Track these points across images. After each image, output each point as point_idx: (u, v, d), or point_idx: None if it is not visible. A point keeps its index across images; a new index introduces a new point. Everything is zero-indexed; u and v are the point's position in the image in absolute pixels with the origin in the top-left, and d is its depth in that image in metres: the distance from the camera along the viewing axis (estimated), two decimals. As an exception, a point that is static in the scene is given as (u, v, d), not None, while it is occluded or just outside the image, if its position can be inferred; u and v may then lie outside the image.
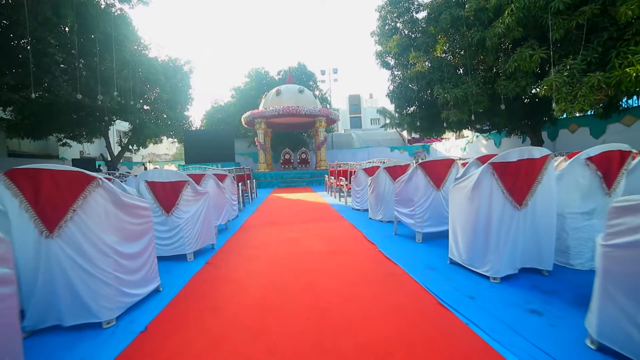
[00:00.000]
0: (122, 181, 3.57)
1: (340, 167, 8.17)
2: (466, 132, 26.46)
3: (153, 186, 2.87)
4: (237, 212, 5.59)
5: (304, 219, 5.25)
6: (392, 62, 13.68)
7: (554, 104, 7.24)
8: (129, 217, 1.98)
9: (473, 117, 10.59)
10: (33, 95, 8.94)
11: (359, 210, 5.82)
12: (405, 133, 27.89)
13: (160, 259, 2.81)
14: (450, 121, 11.37)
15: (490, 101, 10.58)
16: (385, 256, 2.98)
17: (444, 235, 3.07)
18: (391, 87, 15.13)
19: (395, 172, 4.37)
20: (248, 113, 16.18)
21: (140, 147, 22.54)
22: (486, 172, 2.27)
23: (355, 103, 54.52)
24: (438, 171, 3.39)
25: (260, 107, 16.23)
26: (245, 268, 2.82)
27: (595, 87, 6.47)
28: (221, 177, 4.81)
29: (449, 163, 3.44)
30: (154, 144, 26.12)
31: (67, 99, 11.63)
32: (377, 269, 2.65)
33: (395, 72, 13.99)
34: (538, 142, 11.68)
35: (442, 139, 29.09)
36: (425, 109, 13.83)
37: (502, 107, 9.67)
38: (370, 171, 5.48)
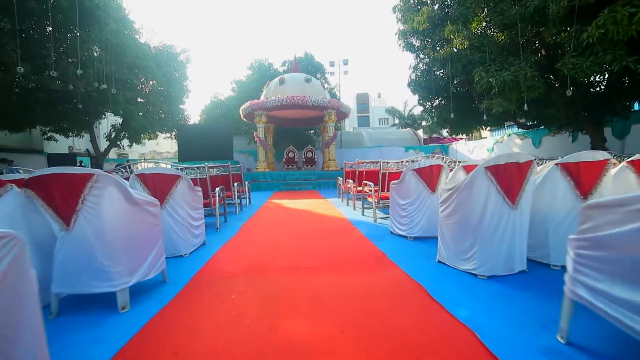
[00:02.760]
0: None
1: (360, 166, 6.01)
2: (484, 133, 24.22)
3: None
4: (201, 238, 3.45)
5: (317, 258, 2.97)
6: (417, 43, 11.50)
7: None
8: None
9: (526, 107, 8.37)
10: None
11: (405, 237, 3.65)
12: (421, 132, 25.66)
13: None
14: (493, 112, 9.14)
15: (546, 87, 8.38)
16: None
17: None
18: (413, 76, 12.96)
19: (508, 175, 2.22)
20: (247, 104, 14.11)
21: (134, 144, 20.72)
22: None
23: (363, 102, 52.38)
24: None
25: (262, 98, 14.15)
26: None
27: None
28: (163, 182, 2.70)
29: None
30: (148, 139, 24.34)
31: (27, 79, 9.73)
32: None
33: (421, 56, 11.79)
34: (600, 140, 9.39)
35: (461, 138, 26.86)
36: (457, 100, 11.63)
37: (569, 92, 7.46)
38: (426, 173, 3.32)
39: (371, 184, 4.87)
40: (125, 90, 14.95)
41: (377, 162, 5.93)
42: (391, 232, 3.83)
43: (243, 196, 6.99)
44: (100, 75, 11.80)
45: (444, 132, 32.27)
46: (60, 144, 22.16)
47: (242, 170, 6.87)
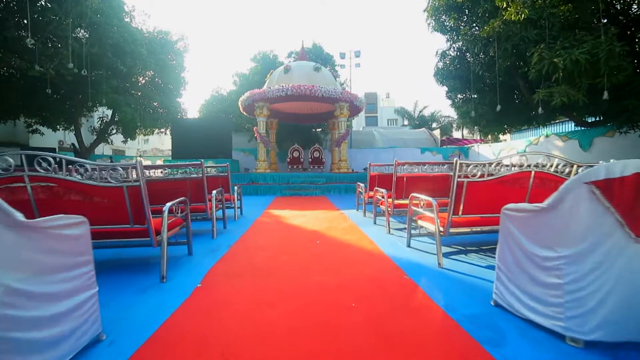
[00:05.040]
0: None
1: (401, 169, 4.08)
2: (502, 137, 22.08)
3: None
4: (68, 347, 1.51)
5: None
6: (450, 22, 9.56)
7: None
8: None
9: (606, 94, 6.38)
10: None
11: (549, 331, 1.59)
12: (437, 132, 23.63)
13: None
14: (553, 104, 7.13)
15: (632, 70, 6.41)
16: None
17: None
18: (441, 64, 11.02)
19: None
20: (247, 94, 12.27)
21: (128, 139, 19.01)
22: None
23: (371, 102, 50.32)
24: None
25: (264, 88, 12.29)
26: None
27: None
28: None
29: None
30: (143, 135, 22.67)
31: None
32: None
33: (455, 37, 9.84)
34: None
35: (479, 140, 24.78)
36: (495, 92, 9.65)
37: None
38: (622, 190, 1.37)
39: (427, 198, 2.94)
40: (111, 78, 13.19)
41: (438, 164, 4.06)
42: (497, 305, 1.90)
43: (230, 206, 5.11)
44: (79, 58, 10.03)
45: (458, 132, 30.22)
46: (48, 138, 20.44)
47: (228, 172, 4.98)
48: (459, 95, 10.96)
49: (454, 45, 10.03)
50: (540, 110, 7.77)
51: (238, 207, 5.62)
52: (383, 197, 4.37)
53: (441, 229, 2.77)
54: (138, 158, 30.69)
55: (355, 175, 11.67)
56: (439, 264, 2.70)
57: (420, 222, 3.21)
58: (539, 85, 7.89)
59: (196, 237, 3.86)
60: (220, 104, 21.86)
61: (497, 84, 8.80)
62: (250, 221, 5.08)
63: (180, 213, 2.90)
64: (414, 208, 3.31)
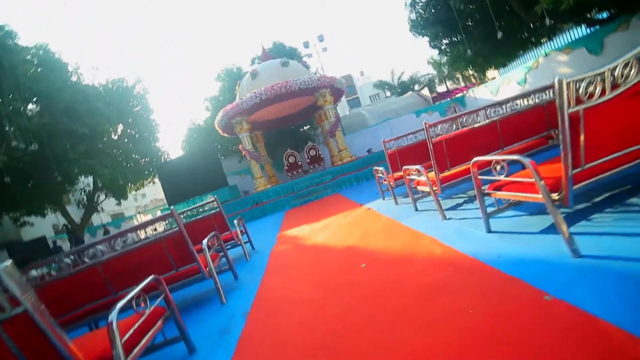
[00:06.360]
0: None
1: (436, 129, 3.03)
2: (490, 73, 20.81)
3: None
4: None
5: None
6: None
7: None
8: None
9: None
10: None
11: None
12: (426, 91, 22.46)
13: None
14: (562, 10, 5.99)
15: None
16: None
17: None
18: (413, 15, 9.92)
19: None
20: (220, 113, 11.23)
21: (121, 200, 18.10)
22: None
23: (348, 84, 49.15)
24: None
25: (236, 101, 11.23)
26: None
27: None
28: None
29: None
30: (136, 190, 21.85)
31: None
32: None
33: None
34: None
35: (474, 84, 23.52)
36: (483, 24, 8.52)
37: None
38: None
39: (513, 158, 1.90)
40: (76, 144, 12.19)
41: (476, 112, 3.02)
42: None
43: (236, 244, 4.10)
44: (32, 134, 9.03)
45: (442, 87, 28.90)
46: (40, 226, 19.48)
47: (219, 207, 3.95)
48: (444, 41, 9.84)
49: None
50: (547, 21, 6.65)
51: (246, 242, 4.60)
52: (420, 174, 3.32)
53: (554, 195, 1.71)
54: (137, 216, 29.75)
55: (360, 161, 10.62)
56: (574, 251, 1.64)
57: (498, 194, 2.16)
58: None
59: (196, 307, 2.84)
60: (200, 134, 20.88)
61: (490, 8, 7.67)
62: (265, 256, 4.04)
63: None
64: (482, 177, 2.26)
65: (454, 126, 3.07)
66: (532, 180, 1.74)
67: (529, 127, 3.32)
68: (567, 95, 1.52)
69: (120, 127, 17.36)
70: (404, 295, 1.85)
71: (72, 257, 2.63)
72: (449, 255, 2.19)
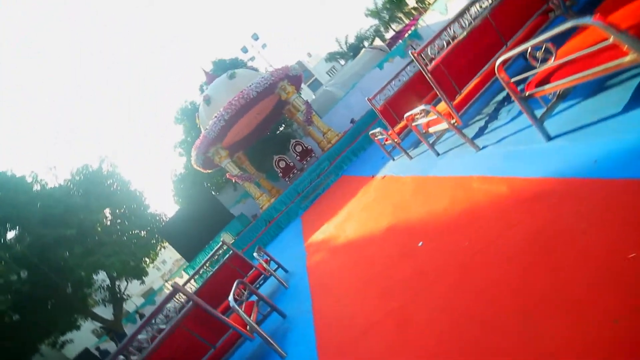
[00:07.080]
0: None
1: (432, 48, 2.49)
2: None
3: None
4: None
5: None
6: None
7: None
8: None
9: None
10: None
11: None
12: (378, 42, 21.68)
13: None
14: None
15: None
16: None
17: None
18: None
19: None
20: (192, 152, 10.66)
21: (142, 278, 17.65)
22: None
23: (302, 70, 48.14)
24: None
25: (202, 134, 10.61)
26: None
27: None
28: None
29: None
30: (152, 262, 21.53)
31: None
32: None
33: None
34: None
35: (423, 11, 22.69)
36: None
37: None
38: None
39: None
40: (72, 247, 11.66)
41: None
42: None
43: (266, 277, 3.62)
44: (16, 260, 8.49)
45: (389, 34, 28.00)
46: (82, 337, 19.03)
47: (232, 249, 3.45)
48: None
49: None
50: None
51: (276, 269, 4.11)
52: (428, 113, 2.80)
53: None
54: (166, 285, 29.23)
55: (349, 134, 10.08)
56: None
57: (548, 89, 1.65)
58: None
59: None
60: (186, 182, 20.25)
61: None
62: (303, 276, 3.56)
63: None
64: (515, 78, 1.75)
65: (444, 43, 2.53)
66: (609, 40, 1.22)
67: (524, 8, 2.78)
68: None
69: (107, 212, 16.80)
70: (522, 262, 1.34)
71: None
72: (524, 187, 1.68)
